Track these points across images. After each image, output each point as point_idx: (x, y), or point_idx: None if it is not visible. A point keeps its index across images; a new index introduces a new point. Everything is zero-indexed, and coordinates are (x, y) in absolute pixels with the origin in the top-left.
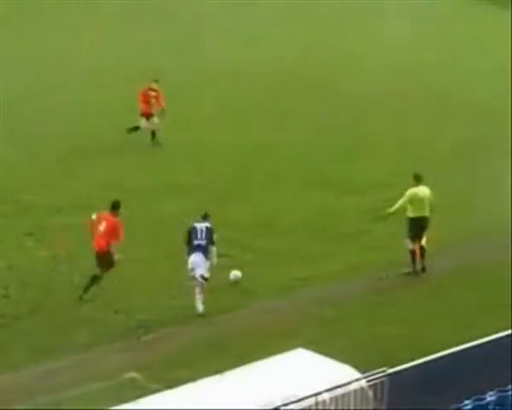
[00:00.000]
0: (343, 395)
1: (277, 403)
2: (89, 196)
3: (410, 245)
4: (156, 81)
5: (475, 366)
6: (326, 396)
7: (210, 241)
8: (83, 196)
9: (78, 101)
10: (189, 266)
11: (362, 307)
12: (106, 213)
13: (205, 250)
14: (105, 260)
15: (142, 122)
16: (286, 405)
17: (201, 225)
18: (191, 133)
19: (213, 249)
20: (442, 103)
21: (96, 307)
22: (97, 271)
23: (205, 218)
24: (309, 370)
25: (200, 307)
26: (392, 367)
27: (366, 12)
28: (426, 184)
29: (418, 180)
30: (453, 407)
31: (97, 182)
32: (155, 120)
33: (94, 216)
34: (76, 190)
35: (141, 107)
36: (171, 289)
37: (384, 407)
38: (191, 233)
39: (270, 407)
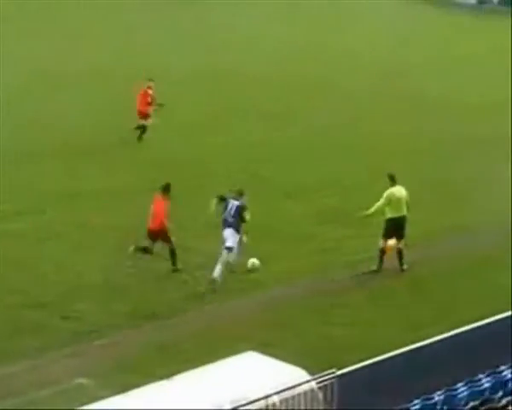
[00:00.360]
0: (293, 397)
1: (227, 406)
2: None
3: (381, 243)
4: (152, 80)
5: (424, 365)
6: (276, 399)
7: (240, 218)
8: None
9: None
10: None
11: (312, 309)
12: (158, 195)
13: (234, 226)
14: (162, 236)
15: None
16: (236, 408)
17: (233, 203)
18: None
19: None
20: (416, 102)
21: (46, 313)
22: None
23: (240, 195)
24: (259, 372)
25: (215, 273)
26: (341, 368)
27: (347, 13)
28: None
29: (393, 180)
30: (402, 406)
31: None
32: (151, 120)
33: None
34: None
35: (144, 107)
36: (122, 293)
37: (334, 408)
38: (225, 207)
39: None
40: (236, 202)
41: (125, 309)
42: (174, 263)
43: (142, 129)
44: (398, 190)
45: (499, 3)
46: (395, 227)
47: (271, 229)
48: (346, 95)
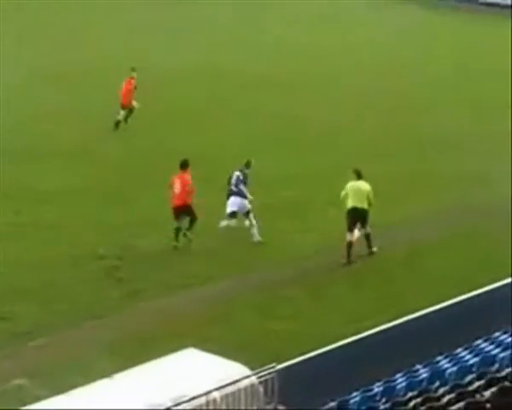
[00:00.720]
0: (233, 393)
1: (168, 404)
2: None
3: (348, 237)
4: (134, 70)
5: (364, 358)
6: (216, 395)
7: (241, 185)
8: None
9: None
10: (227, 208)
11: (253, 304)
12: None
13: (237, 194)
14: (188, 212)
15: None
16: (177, 405)
17: (235, 173)
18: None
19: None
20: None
21: None
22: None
23: (247, 165)
24: (199, 369)
25: (256, 236)
26: (282, 363)
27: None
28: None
29: (358, 175)
30: (342, 398)
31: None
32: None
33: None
34: None
35: (127, 98)
36: (60, 292)
37: (275, 403)
38: (229, 178)
39: (161, 408)
40: (237, 172)
41: (63, 309)
42: (189, 229)
43: (129, 113)
44: (362, 185)
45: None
46: (356, 217)
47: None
48: (322, 91)
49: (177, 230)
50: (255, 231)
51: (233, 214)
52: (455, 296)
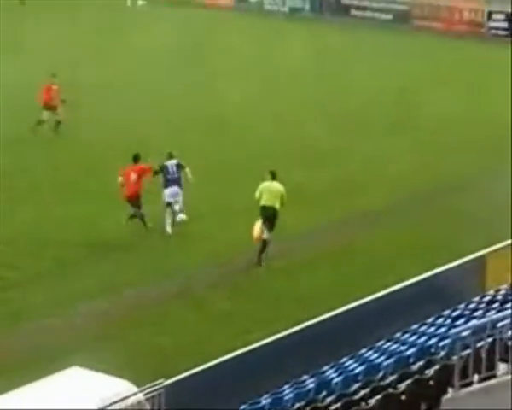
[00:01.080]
0: None
1: None
2: None
3: (258, 234)
4: (54, 76)
5: (253, 370)
6: None
7: (181, 172)
8: None
9: None
10: (165, 198)
11: (138, 321)
12: (131, 166)
13: (177, 183)
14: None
15: (45, 114)
16: None
17: (171, 163)
18: None
19: (187, 170)
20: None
21: None
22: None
23: (171, 157)
24: (84, 388)
25: (168, 229)
26: (169, 378)
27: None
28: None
29: (273, 176)
30: None
31: None
32: (60, 110)
33: (120, 179)
34: None
35: (44, 100)
36: None
37: None
38: (164, 170)
39: None
40: (174, 161)
41: None
42: (145, 224)
43: (42, 122)
44: (275, 186)
45: (311, 10)
46: (266, 216)
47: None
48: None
49: (140, 216)
50: (168, 224)
51: (169, 205)
52: (337, 308)
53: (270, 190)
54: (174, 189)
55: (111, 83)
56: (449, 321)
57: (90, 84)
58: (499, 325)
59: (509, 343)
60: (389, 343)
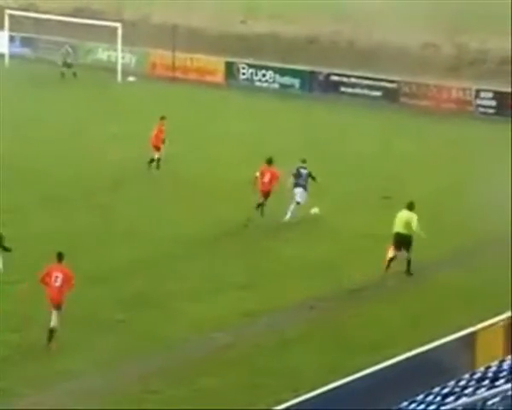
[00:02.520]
0: None
1: None
2: None
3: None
4: (163, 118)
5: None
6: None
7: (307, 182)
8: None
9: None
10: (295, 195)
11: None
12: (266, 167)
13: (304, 187)
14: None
15: (156, 154)
16: None
17: (304, 171)
18: None
19: (305, 193)
20: None
21: None
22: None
23: (304, 162)
24: None
25: (288, 215)
26: None
27: None
28: None
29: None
30: None
31: None
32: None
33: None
34: None
35: (154, 142)
36: None
37: None
38: (298, 174)
39: None
40: (305, 171)
41: None
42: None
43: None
44: (406, 213)
45: (300, 88)
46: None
47: None
48: None
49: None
50: (290, 213)
51: (299, 203)
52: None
53: (401, 218)
54: (300, 189)
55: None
56: (439, 399)
57: None
58: (490, 402)
59: None
60: None
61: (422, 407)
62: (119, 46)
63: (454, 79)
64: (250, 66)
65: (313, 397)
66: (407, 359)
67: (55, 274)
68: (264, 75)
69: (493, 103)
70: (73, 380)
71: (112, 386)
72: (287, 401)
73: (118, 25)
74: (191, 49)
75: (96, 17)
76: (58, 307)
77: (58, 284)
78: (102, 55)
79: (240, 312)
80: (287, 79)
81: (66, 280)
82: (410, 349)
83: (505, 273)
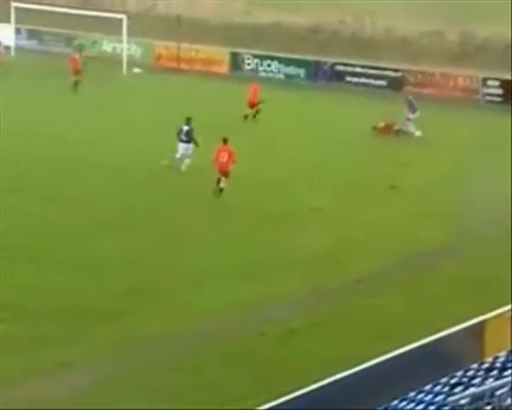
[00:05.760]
0: None
1: None
2: None
3: None
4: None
5: None
6: None
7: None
8: None
9: None
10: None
11: None
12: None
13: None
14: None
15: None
16: None
17: (185, 128)
18: None
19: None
20: None
21: None
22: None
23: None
24: None
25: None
26: None
27: None
28: None
29: None
30: None
31: None
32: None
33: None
34: None
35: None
36: None
37: None
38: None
39: None
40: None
41: None
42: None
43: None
44: None
45: (305, 78)
46: None
47: None
48: None
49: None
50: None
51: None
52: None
53: None
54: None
55: None
56: (447, 389)
57: None
58: (498, 392)
59: None
60: None
61: (430, 397)
62: (125, 38)
63: (460, 67)
64: (255, 56)
65: (319, 388)
66: (414, 349)
67: (222, 154)
68: (269, 65)
69: (500, 91)
70: (66, 372)
71: (108, 378)
72: (291, 392)
73: (123, 16)
74: (196, 41)
75: (101, 9)
76: (226, 174)
77: (225, 159)
78: (108, 46)
79: (241, 302)
80: (292, 69)
81: (230, 156)
82: (417, 339)
83: None
